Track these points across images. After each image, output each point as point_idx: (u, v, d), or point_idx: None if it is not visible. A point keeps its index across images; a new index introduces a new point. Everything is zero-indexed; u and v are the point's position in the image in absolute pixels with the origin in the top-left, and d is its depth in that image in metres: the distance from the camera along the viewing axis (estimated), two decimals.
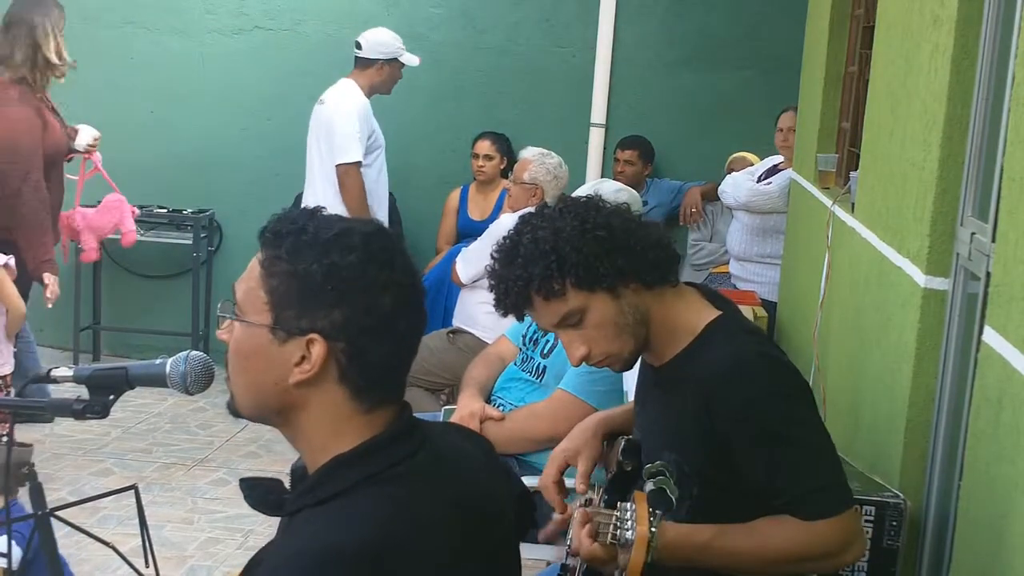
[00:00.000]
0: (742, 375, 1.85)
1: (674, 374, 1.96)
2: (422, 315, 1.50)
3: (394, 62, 4.92)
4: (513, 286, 1.88)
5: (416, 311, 1.48)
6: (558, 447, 2.25)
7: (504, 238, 1.94)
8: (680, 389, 1.93)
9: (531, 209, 4.32)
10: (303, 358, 1.41)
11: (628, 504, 1.72)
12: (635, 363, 2.01)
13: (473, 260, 4.41)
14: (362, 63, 4.91)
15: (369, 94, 4.90)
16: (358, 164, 4.72)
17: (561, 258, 1.84)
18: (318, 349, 1.40)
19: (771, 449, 1.84)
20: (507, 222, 4.35)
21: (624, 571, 1.72)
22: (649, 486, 1.71)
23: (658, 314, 1.94)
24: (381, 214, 4.90)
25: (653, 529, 1.65)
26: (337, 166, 4.72)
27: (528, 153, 4.49)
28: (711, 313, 1.98)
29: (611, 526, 1.75)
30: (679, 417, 1.92)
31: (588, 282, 1.85)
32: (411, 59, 4.97)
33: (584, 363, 1.94)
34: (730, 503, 1.90)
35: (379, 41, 4.92)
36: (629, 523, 1.67)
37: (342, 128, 4.73)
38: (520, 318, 1.97)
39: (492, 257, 1.94)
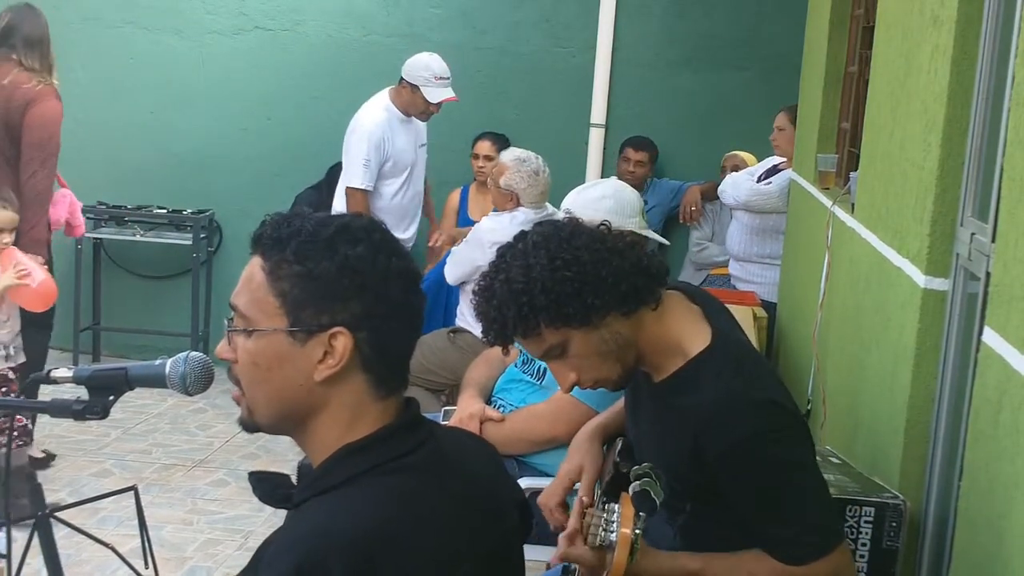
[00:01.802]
0: (729, 422, 1.83)
1: (666, 398, 1.94)
2: (424, 297, 1.54)
3: (416, 89, 4.86)
4: (492, 326, 1.89)
5: (420, 294, 1.53)
6: (561, 470, 2.24)
7: (482, 276, 1.94)
8: (672, 418, 1.92)
9: (511, 214, 4.35)
10: (326, 354, 1.43)
11: (615, 506, 1.72)
12: (629, 382, 2.00)
13: (458, 262, 4.43)
14: (400, 79, 4.94)
15: (404, 112, 4.93)
16: (358, 190, 4.83)
17: (532, 300, 1.83)
18: (343, 341, 1.43)
19: (758, 493, 1.84)
20: (488, 225, 4.37)
21: (608, 573, 1.72)
22: (635, 487, 1.70)
23: (644, 336, 1.92)
24: (399, 231, 4.92)
25: (637, 531, 1.64)
26: (345, 188, 4.88)
27: (506, 157, 4.46)
28: (702, 334, 1.93)
29: (600, 528, 1.75)
30: (671, 445, 1.91)
31: (560, 321, 1.84)
32: (433, 95, 4.85)
33: (576, 388, 1.94)
34: (722, 518, 1.91)
35: (410, 63, 4.90)
36: (614, 525, 1.67)
37: (353, 152, 4.85)
38: (507, 352, 1.99)
39: (473, 293, 1.95)
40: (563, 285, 1.83)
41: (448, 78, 4.88)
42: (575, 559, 1.86)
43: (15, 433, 3.96)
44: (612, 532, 1.67)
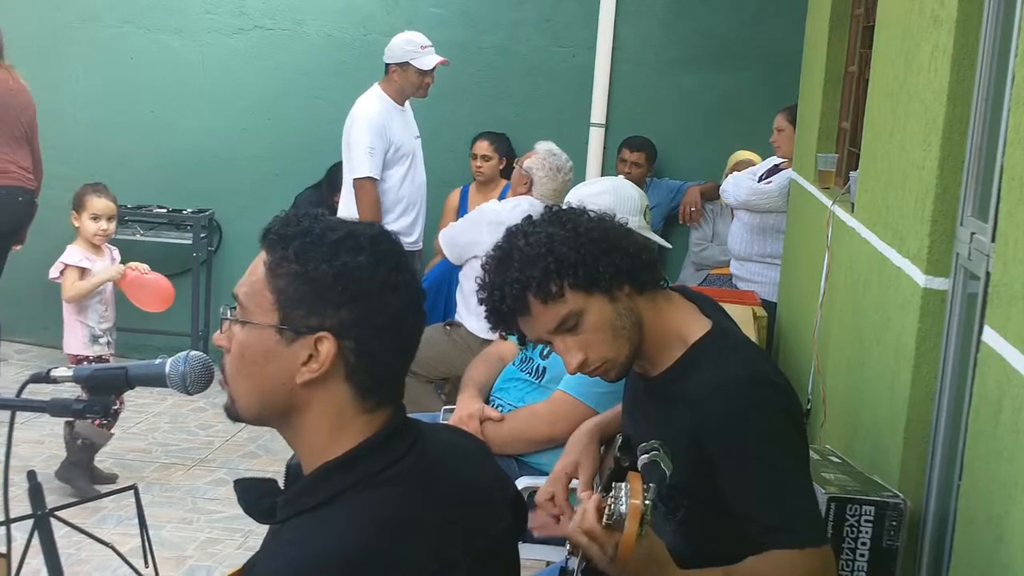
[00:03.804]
0: (726, 397, 1.84)
1: (664, 389, 1.95)
2: (424, 316, 1.52)
3: (407, 66, 4.88)
4: (510, 290, 1.85)
5: (420, 312, 1.50)
6: (558, 465, 2.23)
7: (495, 248, 1.92)
8: (669, 408, 1.93)
9: (516, 199, 4.38)
10: (310, 357, 1.42)
11: (622, 484, 1.70)
12: (629, 371, 1.99)
13: (455, 240, 4.44)
14: (385, 69, 4.96)
15: (399, 100, 4.95)
16: (370, 179, 4.81)
17: (558, 259, 1.83)
18: (327, 347, 1.41)
19: (751, 470, 1.83)
20: (490, 206, 4.42)
21: (618, 546, 1.69)
22: (643, 459, 1.69)
23: (651, 319, 1.93)
24: (407, 218, 4.92)
25: (647, 502, 1.63)
26: (353, 180, 4.84)
27: (540, 145, 4.53)
28: (701, 324, 1.96)
29: (606, 506, 1.73)
30: (668, 437, 1.91)
31: (586, 283, 1.85)
32: (425, 62, 4.88)
33: (580, 371, 1.92)
34: (715, 522, 1.90)
35: (391, 46, 4.94)
36: (623, 498, 1.65)
37: (355, 143, 4.83)
38: (511, 329, 1.93)
39: (484, 269, 1.93)
40: (591, 247, 1.85)
41: (432, 45, 4.91)
42: (588, 532, 1.79)
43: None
44: (622, 505, 1.64)
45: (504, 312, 1.88)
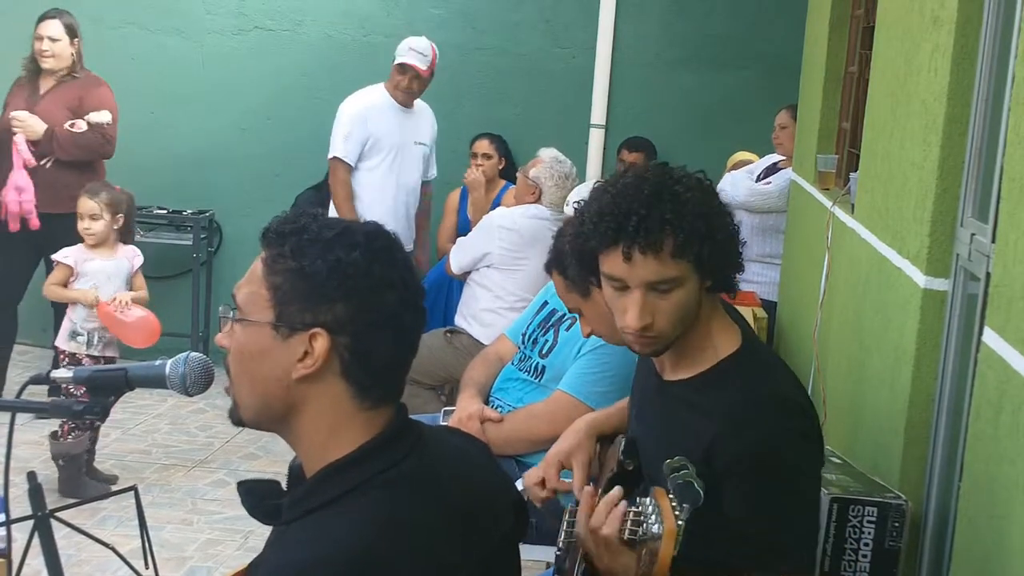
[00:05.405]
0: (748, 422, 1.81)
1: (685, 396, 1.92)
2: (423, 313, 1.51)
3: (394, 64, 4.92)
4: (655, 224, 1.77)
5: (417, 309, 1.50)
6: (552, 450, 2.23)
7: (638, 172, 1.86)
8: (687, 416, 1.90)
9: (525, 206, 4.37)
10: (306, 353, 1.42)
11: (648, 499, 1.69)
12: (663, 353, 1.94)
13: (464, 249, 4.43)
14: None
15: (399, 98, 4.98)
16: (339, 160, 4.89)
17: (710, 229, 1.81)
18: (321, 343, 1.42)
19: (767, 493, 1.81)
20: (499, 212, 4.41)
21: (651, 565, 1.68)
22: (676, 479, 1.68)
23: (701, 318, 1.90)
24: (384, 213, 4.89)
25: (680, 523, 1.62)
26: (328, 160, 4.97)
27: (544, 153, 4.53)
28: (734, 338, 1.93)
29: (627, 522, 1.72)
30: (680, 448, 1.89)
31: (710, 264, 1.82)
32: (403, 58, 4.88)
33: (637, 332, 1.85)
34: (716, 525, 1.89)
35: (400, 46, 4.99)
36: (653, 517, 1.64)
37: (336, 125, 4.95)
38: (589, 260, 1.87)
39: (621, 184, 1.84)
40: (731, 235, 1.88)
41: (425, 55, 4.92)
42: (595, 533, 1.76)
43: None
44: (654, 524, 1.63)
45: (626, 236, 1.79)
